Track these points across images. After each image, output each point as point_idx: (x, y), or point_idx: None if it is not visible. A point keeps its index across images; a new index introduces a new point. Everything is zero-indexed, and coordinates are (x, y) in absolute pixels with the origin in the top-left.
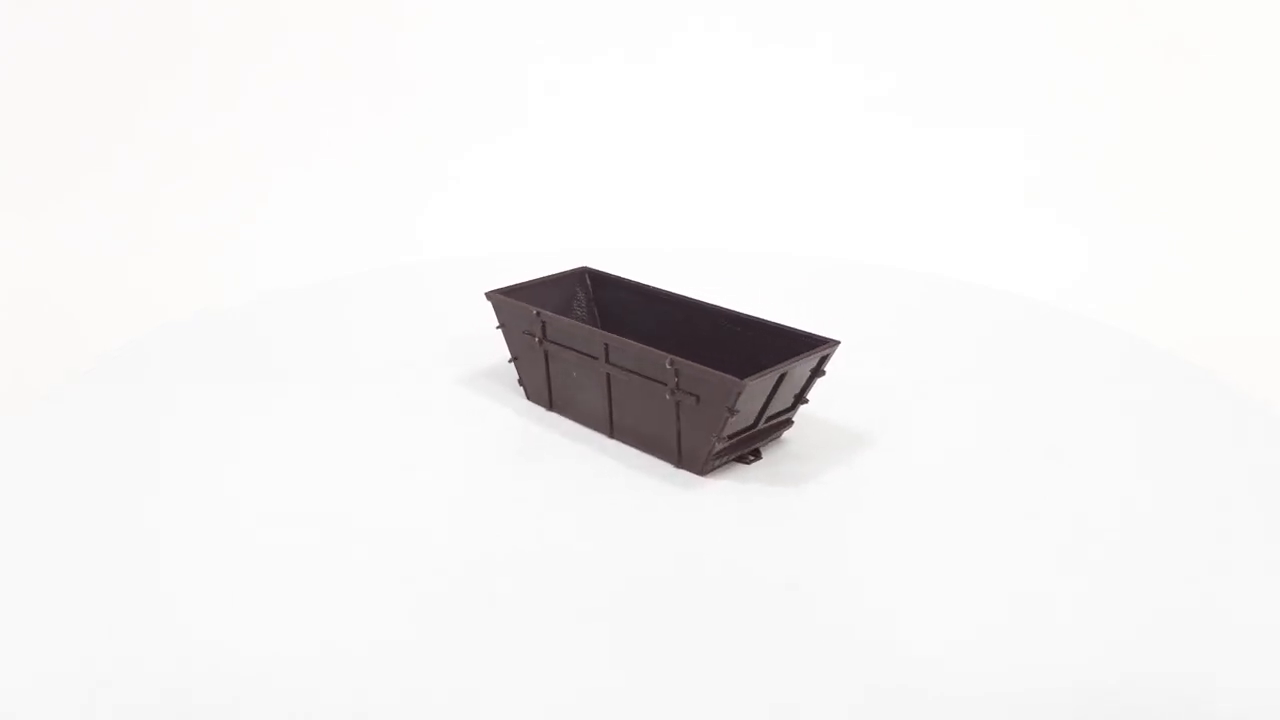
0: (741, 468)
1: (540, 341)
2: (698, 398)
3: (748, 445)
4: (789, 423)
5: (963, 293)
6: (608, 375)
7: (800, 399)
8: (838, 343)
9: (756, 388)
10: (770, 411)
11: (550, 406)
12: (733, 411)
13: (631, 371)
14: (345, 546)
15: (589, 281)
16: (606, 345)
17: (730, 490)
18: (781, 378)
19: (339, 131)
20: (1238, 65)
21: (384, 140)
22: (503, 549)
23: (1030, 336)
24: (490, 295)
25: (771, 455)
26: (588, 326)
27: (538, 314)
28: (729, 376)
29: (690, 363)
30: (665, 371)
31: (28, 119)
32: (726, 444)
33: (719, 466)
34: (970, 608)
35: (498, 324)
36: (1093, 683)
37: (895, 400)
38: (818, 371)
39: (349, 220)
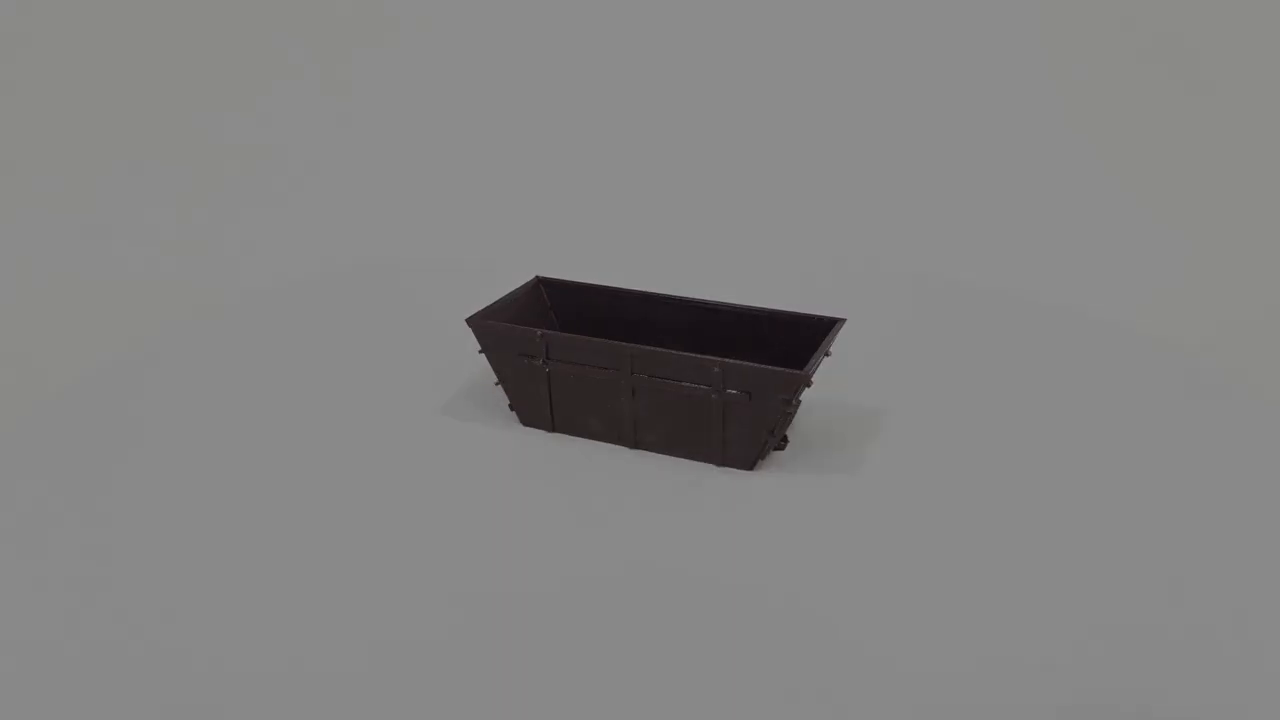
0: (776, 461)
1: (544, 363)
2: (749, 394)
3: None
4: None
5: (962, 293)
6: (633, 387)
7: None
8: (843, 320)
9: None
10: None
11: (553, 428)
12: (793, 405)
13: (664, 379)
14: (367, 555)
15: (545, 291)
16: (632, 356)
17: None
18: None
19: (328, 131)
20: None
21: (360, 139)
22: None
23: (1030, 336)
24: (472, 322)
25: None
26: (608, 341)
27: (541, 336)
28: (789, 371)
29: (741, 363)
30: (711, 375)
31: (27, 119)
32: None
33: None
34: (968, 613)
35: (479, 349)
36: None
37: (891, 400)
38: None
39: (317, 220)
